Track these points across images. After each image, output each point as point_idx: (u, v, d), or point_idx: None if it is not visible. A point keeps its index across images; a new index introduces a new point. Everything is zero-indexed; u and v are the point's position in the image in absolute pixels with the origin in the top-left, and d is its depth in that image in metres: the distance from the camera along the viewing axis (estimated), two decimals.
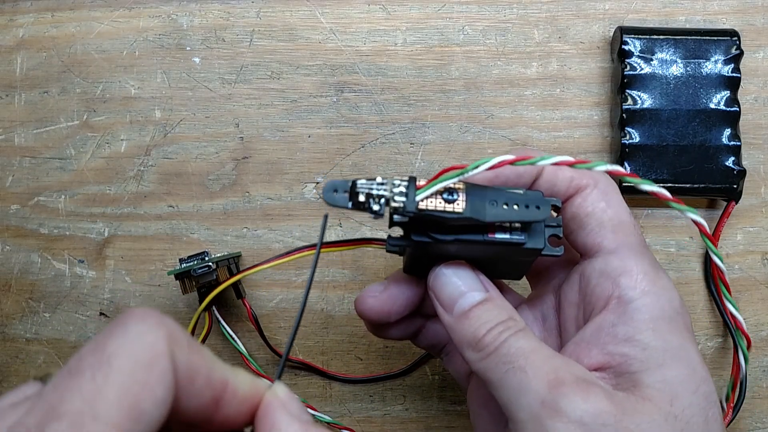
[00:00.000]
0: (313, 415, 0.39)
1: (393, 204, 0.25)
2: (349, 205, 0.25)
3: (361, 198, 0.25)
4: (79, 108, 0.42)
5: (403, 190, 0.25)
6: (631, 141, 0.39)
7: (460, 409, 0.40)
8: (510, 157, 0.26)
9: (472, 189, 0.26)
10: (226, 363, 0.21)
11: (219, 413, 0.21)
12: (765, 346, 0.40)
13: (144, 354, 0.18)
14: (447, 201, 0.25)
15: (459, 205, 0.25)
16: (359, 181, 0.25)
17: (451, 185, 0.25)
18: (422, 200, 0.25)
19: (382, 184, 0.25)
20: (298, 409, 0.22)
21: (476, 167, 0.25)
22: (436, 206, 0.25)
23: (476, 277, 0.28)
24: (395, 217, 0.26)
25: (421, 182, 0.26)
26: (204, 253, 0.38)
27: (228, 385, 0.21)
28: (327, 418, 0.39)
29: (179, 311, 0.41)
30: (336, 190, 0.25)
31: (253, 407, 0.22)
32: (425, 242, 0.26)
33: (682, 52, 0.40)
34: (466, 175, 0.25)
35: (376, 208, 0.25)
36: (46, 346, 0.41)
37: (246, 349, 0.39)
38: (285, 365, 0.26)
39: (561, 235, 0.28)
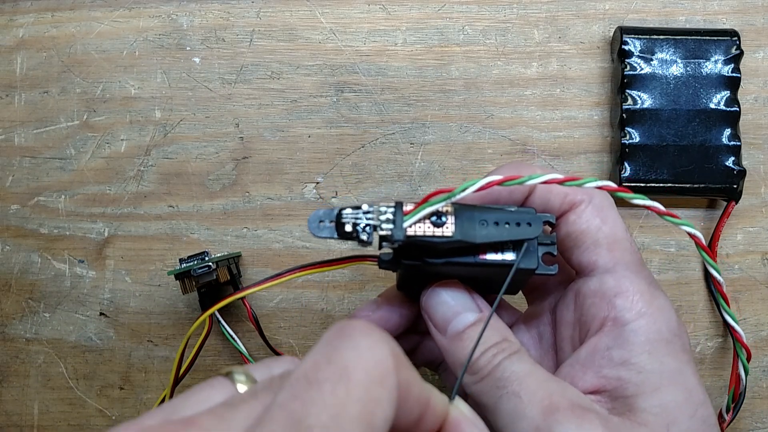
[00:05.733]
0: None
1: (380, 232, 0.25)
2: (336, 235, 0.25)
3: (348, 228, 0.25)
4: (79, 108, 0.42)
5: (390, 217, 0.25)
6: (631, 141, 0.39)
7: None
8: (498, 177, 0.25)
9: (461, 210, 0.25)
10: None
11: (417, 430, 0.20)
12: (765, 346, 0.40)
13: (377, 370, 0.17)
14: (435, 225, 0.25)
15: (448, 229, 0.25)
16: (344, 211, 0.25)
17: (439, 209, 0.25)
18: (410, 226, 0.25)
19: (368, 212, 0.25)
20: (484, 428, 0.22)
21: (463, 190, 0.25)
22: (424, 231, 0.25)
23: (469, 297, 0.28)
24: (383, 243, 0.26)
25: (408, 207, 0.25)
26: (204, 253, 0.38)
27: (430, 401, 0.20)
28: None
29: (179, 311, 0.41)
30: (322, 221, 0.25)
31: (440, 423, 0.21)
32: (416, 265, 0.26)
33: (682, 52, 0.40)
34: (453, 199, 0.25)
35: (363, 237, 0.25)
36: (46, 346, 0.41)
37: (246, 349, 0.39)
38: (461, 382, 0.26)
39: (555, 253, 0.27)
